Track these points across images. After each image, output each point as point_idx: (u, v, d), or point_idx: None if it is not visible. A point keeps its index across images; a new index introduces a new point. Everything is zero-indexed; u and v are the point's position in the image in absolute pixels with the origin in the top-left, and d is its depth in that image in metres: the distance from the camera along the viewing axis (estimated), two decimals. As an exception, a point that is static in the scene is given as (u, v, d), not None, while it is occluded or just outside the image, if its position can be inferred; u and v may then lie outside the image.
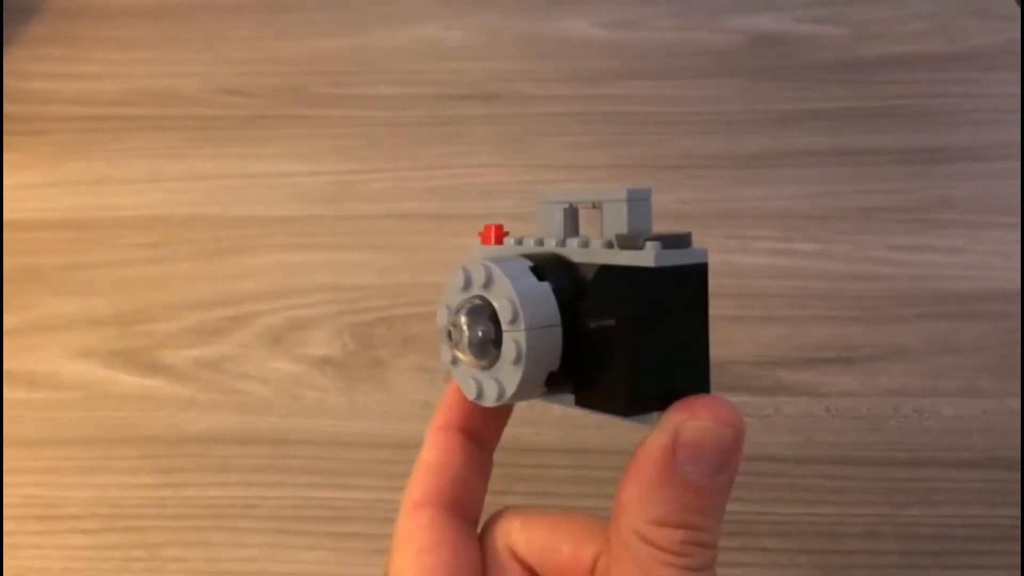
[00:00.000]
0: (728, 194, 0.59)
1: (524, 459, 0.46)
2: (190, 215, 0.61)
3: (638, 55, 0.71)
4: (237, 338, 0.53)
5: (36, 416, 0.50)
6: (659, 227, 0.25)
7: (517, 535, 0.27)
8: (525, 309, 0.24)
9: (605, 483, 0.44)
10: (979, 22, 0.70)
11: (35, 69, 0.74)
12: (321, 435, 0.48)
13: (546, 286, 0.25)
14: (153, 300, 0.56)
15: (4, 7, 0.78)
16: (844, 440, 0.46)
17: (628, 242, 0.24)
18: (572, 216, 0.27)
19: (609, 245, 0.25)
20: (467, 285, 0.26)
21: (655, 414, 0.24)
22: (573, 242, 0.26)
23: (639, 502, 0.23)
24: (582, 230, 0.27)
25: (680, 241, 0.24)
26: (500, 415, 0.29)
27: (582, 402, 0.25)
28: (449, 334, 0.26)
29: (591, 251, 0.25)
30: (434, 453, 0.28)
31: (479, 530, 0.28)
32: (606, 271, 0.24)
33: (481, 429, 0.29)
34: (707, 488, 0.23)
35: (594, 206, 0.26)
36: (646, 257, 0.23)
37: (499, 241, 0.29)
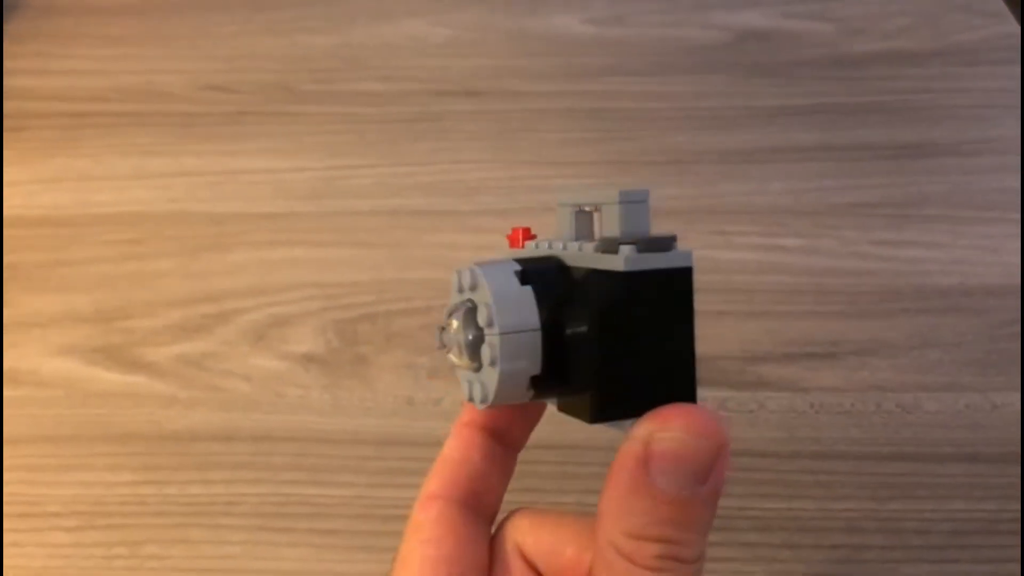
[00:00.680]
0: (713, 189, 0.59)
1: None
2: (173, 212, 0.61)
3: (625, 51, 0.71)
4: (220, 335, 0.53)
5: (16, 413, 0.50)
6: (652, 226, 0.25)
7: (526, 535, 0.27)
8: (499, 312, 0.24)
9: (589, 479, 0.44)
10: (963, 18, 0.70)
11: (17, 65, 0.73)
12: (304, 432, 0.48)
13: (527, 290, 0.25)
14: (135, 297, 0.55)
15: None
16: (827, 435, 0.46)
17: (607, 246, 0.24)
18: (585, 218, 0.27)
19: (598, 249, 0.24)
20: (460, 288, 0.26)
21: (628, 422, 0.23)
22: (574, 246, 0.26)
23: (615, 513, 0.23)
24: (598, 232, 0.27)
25: (661, 244, 0.23)
26: (528, 416, 0.29)
27: (562, 407, 0.25)
28: (442, 337, 0.26)
29: (583, 255, 0.25)
30: (455, 448, 0.28)
31: (494, 528, 0.28)
32: (588, 275, 0.24)
33: (506, 429, 0.29)
34: (683, 501, 0.22)
35: (596, 208, 0.26)
36: (618, 261, 0.23)
37: (523, 243, 0.28)
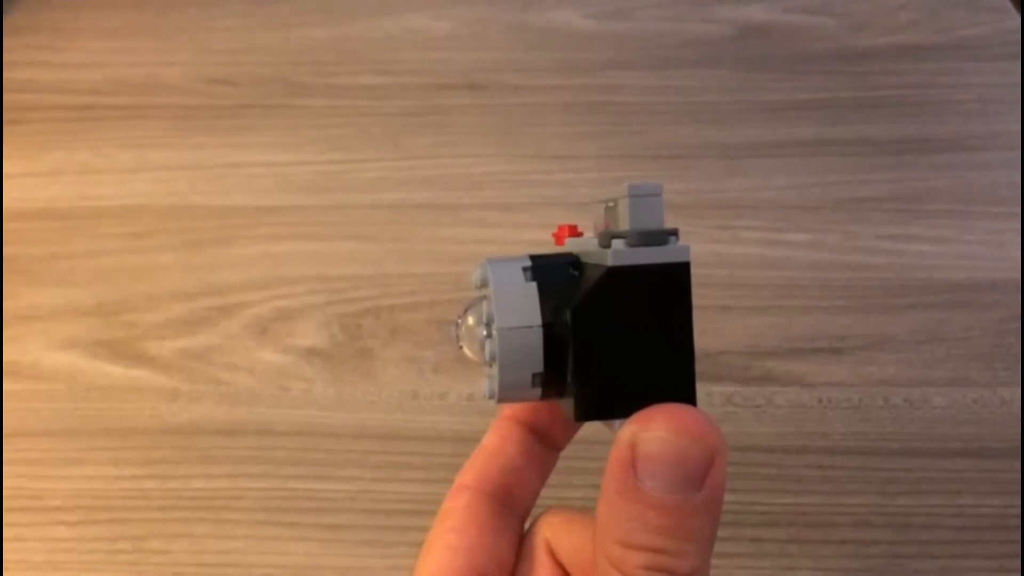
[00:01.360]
0: (717, 184, 0.59)
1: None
2: (174, 205, 0.60)
3: (626, 45, 0.71)
4: (223, 329, 0.52)
5: (18, 407, 0.49)
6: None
7: (556, 532, 0.27)
8: (499, 308, 0.24)
9: (594, 474, 0.44)
10: (967, 13, 0.70)
11: (16, 58, 0.73)
12: (308, 426, 0.48)
13: (532, 286, 0.24)
14: (137, 290, 0.55)
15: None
16: (835, 430, 0.46)
17: (604, 240, 0.23)
18: (613, 213, 0.27)
19: (599, 244, 0.24)
20: (476, 284, 0.26)
21: (618, 422, 0.23)
22: (593, 241, 0.25)
23: (606, 518, 0.22)
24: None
25: (655, 238, 0.23)
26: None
27: (563, 405, 0.25)
28: (457, 331, 0.26)
29: (594, 251, 0.25)
30: (491, 440, 0.28)
31: (528, 524, 0.28)
32: (587, 271, 0.24)
33: (546, 426, 0.28)
34: (674, 507, 0.21)
35: (615, 204, 0.25)
36: (607, 256, 0.23)
37: (565, 240, 0.28)
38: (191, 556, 0.43)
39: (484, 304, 0.25)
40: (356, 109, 0.67)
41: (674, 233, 0.23)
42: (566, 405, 0.24)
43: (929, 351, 0.49)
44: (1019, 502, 0.43)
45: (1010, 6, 0.70)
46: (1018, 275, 0.52)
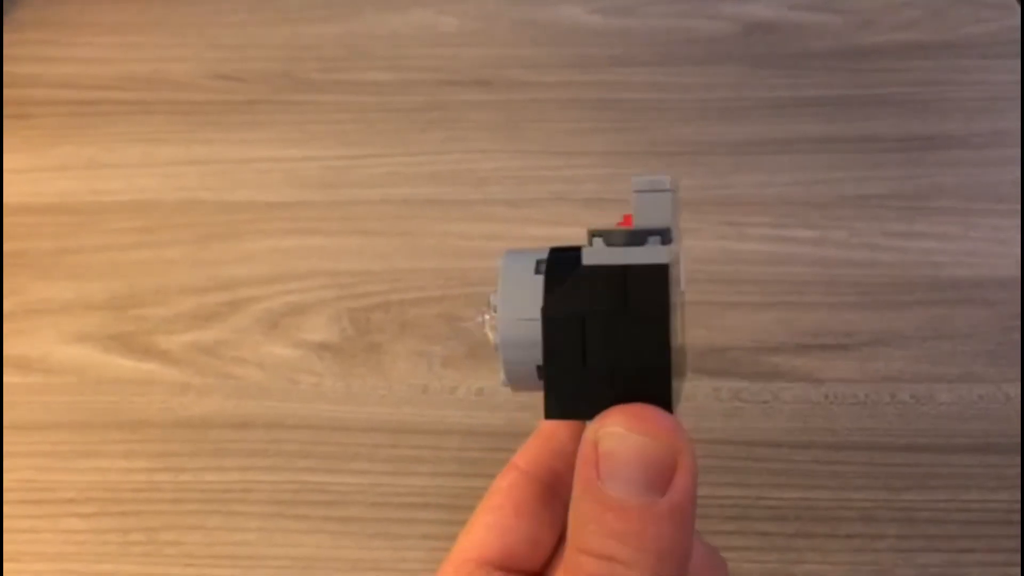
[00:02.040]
0: (723, 180, 0.59)
1: (521, 444, 0.46)
2: (182, 200, 0.60)
3: (632, 42, 0.71)
4: (232, 323, 0.53)
5: (30, 400, 0.50)
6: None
7: None
8: (502, 300, 0.24)
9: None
10: (972, 10, 0.70)
11: (22, 53, 0.73)
12: (318, 420, 0.48)
13: (537, 279, 0.24)
14: (146, 285, 0.55)
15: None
16: (841, 425, 0.47)
17: (589, 237, 0.23)
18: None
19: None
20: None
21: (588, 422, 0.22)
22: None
23: (571, 521, 0.21)
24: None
25: (634, 237, 0.22)
26: None
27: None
28: (486, 321, 0.26)
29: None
30: (547, 423, 0.28)
31: None
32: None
33: None
34: (632, 511, 0.20)
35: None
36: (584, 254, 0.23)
37: None
38: (205, 548, 0.43)
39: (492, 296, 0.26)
40: (364, 105, 0.67)
41: (659, 232, 0.22)
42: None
43: (935, 347, 0.50)
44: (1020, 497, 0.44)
45: (1016, 3, 0.70)
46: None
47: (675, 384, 0.24)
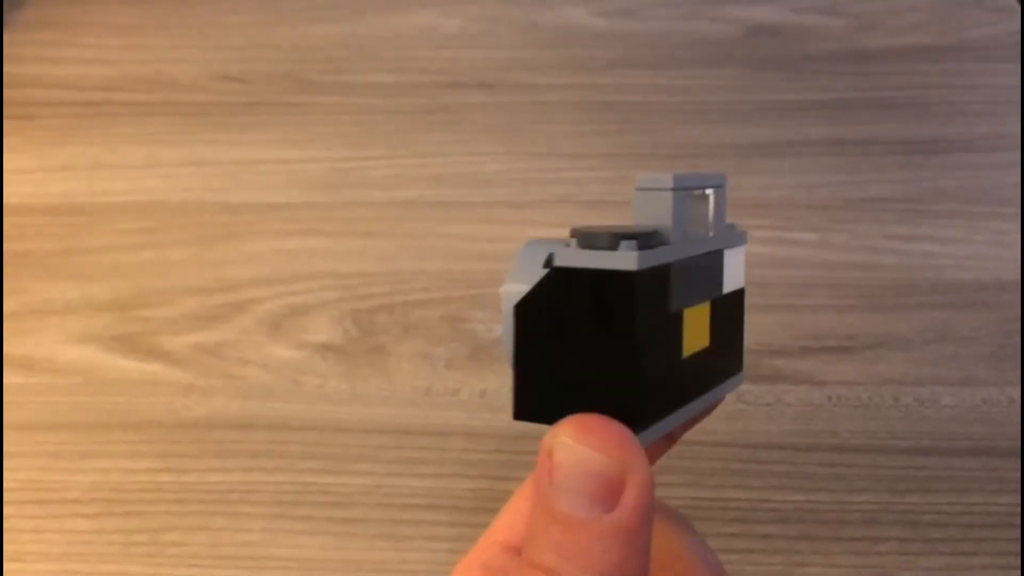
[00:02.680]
0: (727, 183, 0.59)
1: (524, 445, 0.46)
2: (186, 201, 0.61)
3: (636, 44, 0.71)
4: (236, 324, 0.53)
5: (34, 400, 0.50)
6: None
7: None
8: (503, 290, 0.24)
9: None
10: (976, 13, 0.70)
11: (27, 54, 0.73)
12: (321, 421, 0.48)
13: (542, 273, 0.24)
14: (150, 285, 0.55)
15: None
16: (844, 428, 0.47)
17: (570, 236, 0.23)
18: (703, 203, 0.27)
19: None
20: None
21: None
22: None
23: (525, 532, 0.20)
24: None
25: (603, 241, 0.21)
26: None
27: None
28: None
29: None
30: None
31: None
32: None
33: None
34: (575, 524, 0.19)
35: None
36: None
37: None
38: (208, 549, 0.43)
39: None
40: (367, 107, 0.67)
41: (640, 235, 0.22)
42: None
43: (938, 350, 0.50)
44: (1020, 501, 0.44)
45: (1019, 7, 0.71)
46: (1026, 275, 0.53)
47: (696, 398, 0.24)
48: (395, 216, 0.59)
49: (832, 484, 0.45)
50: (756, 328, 0.51)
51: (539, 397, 0.22)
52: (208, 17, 0.76)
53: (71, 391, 0.50)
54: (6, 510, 0.45)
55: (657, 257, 0.22)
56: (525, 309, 0.22)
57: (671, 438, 0.27)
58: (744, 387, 0.48)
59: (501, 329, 0.24)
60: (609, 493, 0.19)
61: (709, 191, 0.26)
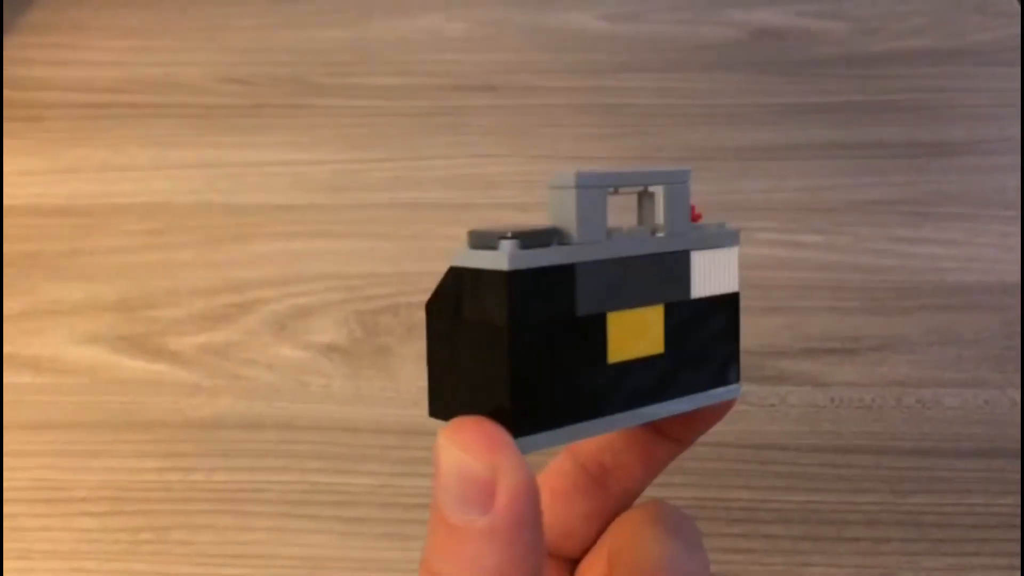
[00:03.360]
0: (730, 186, 0.60)
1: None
2: (192, 203, 0.61)
3: (640, 48, 0.71)
4: (242, 325, 0.53)
5: (42, 400, 0.50)
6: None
7: (614, 537, 0.26)
8: None
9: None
10: (979, 18, 0.71)
11: (35, 56, 0.73)
12: (327, 421, 0.49)
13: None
14: (157, 286, 0.56)
15: (4, -7, 0.78)
16: (848, 429, 0.47)
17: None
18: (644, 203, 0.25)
19: None
20: None
21: None
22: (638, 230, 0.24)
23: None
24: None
25: (485, 240, 0.21)
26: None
27: None
28: None
29: None
30: None
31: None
32: None
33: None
34: (452, 526, 0.19)
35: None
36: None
37: None
38: (215, 547, 0.44)
39: None
40: (372, 109, 0.67)
41: (523, 236, 0.21)
42: None
43: (941, 352, 0.50)
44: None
45: (1020, 10, 0.71)
46: (1029, 278, 0.53)
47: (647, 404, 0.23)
48: (400, 218, 0.59)
49: (835, 485, 0.45)
50: (760, 329, 0.51)
51: (444, 396, 0.22)
52: (215, 20, 0.76)
53: (78, 391, 0.51)
54: (14, 508, 0.45)
55: (545, 257, 0.21)
56: (431, 308, 0.22)
57: (680, 441, 0.26)
58: (748, 388, 0.49)
59: None
60: (482, 495, 0.19)
61: (656, 188, 0.24)
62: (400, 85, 0.69)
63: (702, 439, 0.27)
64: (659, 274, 0.24)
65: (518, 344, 0.21)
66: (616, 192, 0.23)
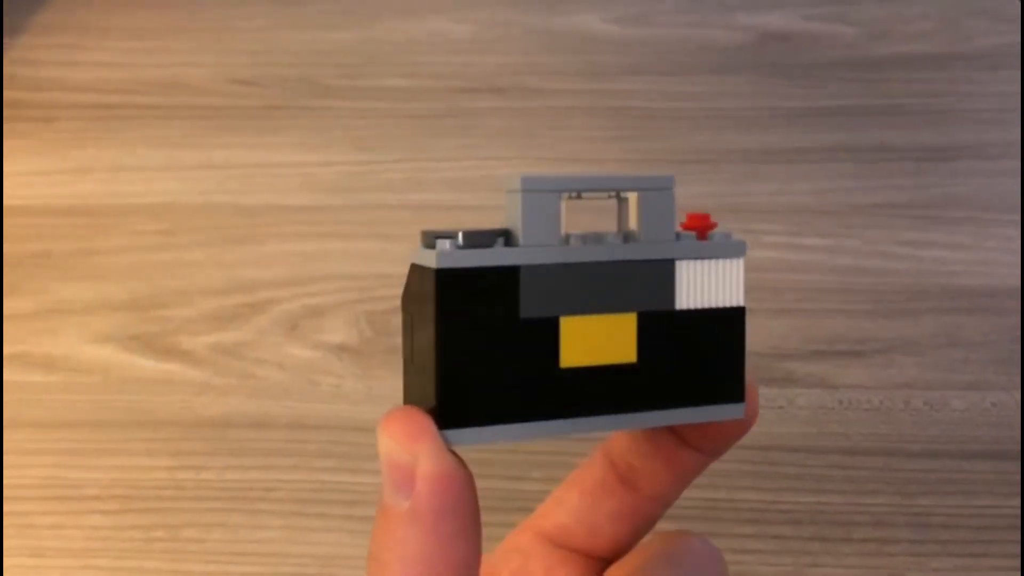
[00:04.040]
0: (738, 189, 0.60)
1: (539, 445, 0.47)
2: (202, 203, 0.61)
3: (647, 51, 0.72)
4: (253, 324, 0.53)
5: (54, 399, 0.50)
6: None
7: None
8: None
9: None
10: (985, 23, 0.71)
11: (45, 57, 0.74)
12: (338, 420, 0.49)
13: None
14: (168, 286, 0.56)
15: (14, -6, 0.79)
16: (856, 431, 0.47)
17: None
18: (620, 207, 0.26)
19: None
20: None
21: None
22: (612, 236, 0.25)
23: None
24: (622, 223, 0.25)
25: (428, 240, 0.22)
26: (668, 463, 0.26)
27: None
28: None
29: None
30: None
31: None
32: None
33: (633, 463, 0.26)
34: (382, 509, 0.20)
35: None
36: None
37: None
38: (226, 545, 0.44)
39: None
40: (381, 111, 0.68)
41: (462, 236, 0.21)
42: None
43: (948, 355, 0.50)
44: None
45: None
46: (1035, 281, 0.53)
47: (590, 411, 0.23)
48: (409, 219, 0.59)
49: (843, 486, 0.45)
50: (768, 332, 0.52)
51: (409, 387, 0.23)
52: (224, 22, 0.76)
53: (90, 390, 0.51)
54: (26, 506, 0.46)
55: (483, 258, 0.21)
56: (403, 303, 0.23)
57: (701, 451, 0.26)
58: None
59: None
60: (405, 481, 0.20)
61: (629, 195, 0.24)
62: (409, 87, 0.69)
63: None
64: (631, 282, 0.23)
65: (447, 339, 0.21)
66: (579, 197, 0.23)
